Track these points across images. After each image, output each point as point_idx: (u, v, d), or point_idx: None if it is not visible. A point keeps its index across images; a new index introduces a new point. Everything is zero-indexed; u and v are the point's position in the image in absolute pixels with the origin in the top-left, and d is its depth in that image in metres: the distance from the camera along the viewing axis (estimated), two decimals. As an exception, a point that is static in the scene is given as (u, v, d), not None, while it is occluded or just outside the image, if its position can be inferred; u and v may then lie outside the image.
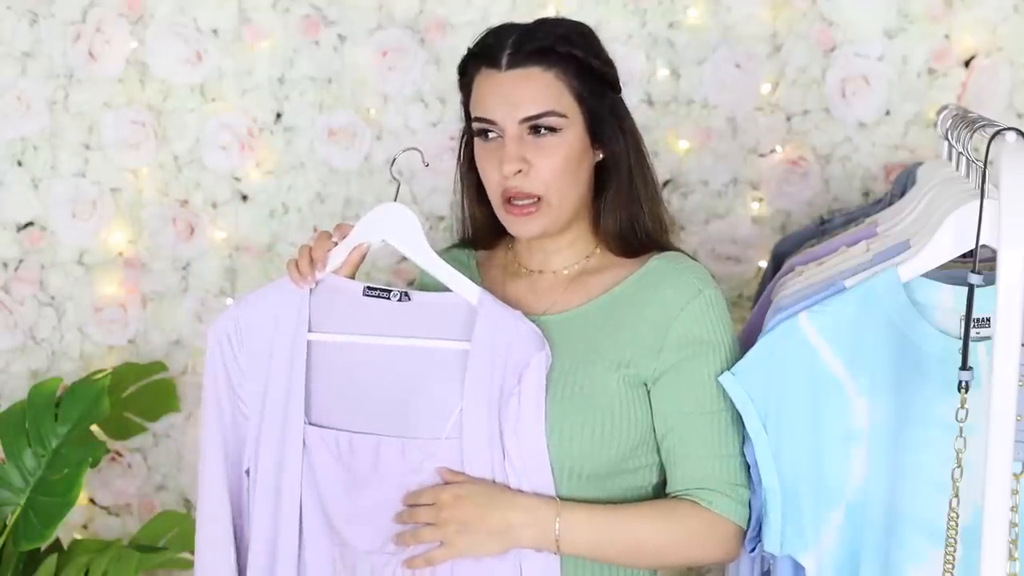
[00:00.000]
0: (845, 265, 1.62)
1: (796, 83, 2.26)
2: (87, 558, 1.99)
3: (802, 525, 1.55)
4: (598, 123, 1.61)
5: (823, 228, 2.08)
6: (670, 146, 2.28)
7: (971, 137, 1.53)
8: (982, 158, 1.42)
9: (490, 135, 1.59)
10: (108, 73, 2.27)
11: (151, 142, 2.28)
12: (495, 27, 1.65)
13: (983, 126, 1.49)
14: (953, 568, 1.44)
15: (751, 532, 1.58)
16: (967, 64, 2.24)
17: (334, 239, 1.65)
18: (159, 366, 2.29)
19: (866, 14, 2.23)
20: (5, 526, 2.01)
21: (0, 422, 2.10)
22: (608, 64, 1.64)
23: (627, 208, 1.65)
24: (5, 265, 2.32)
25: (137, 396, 2.26)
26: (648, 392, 1.59)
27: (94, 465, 2.06)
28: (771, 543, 1.55)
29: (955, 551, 1.44)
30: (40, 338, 2.33)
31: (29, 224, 2.31)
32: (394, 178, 1.67)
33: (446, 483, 1.56)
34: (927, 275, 1.51)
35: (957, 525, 1.44)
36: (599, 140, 1.62)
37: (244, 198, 2.31)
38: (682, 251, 1.69)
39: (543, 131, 1.57)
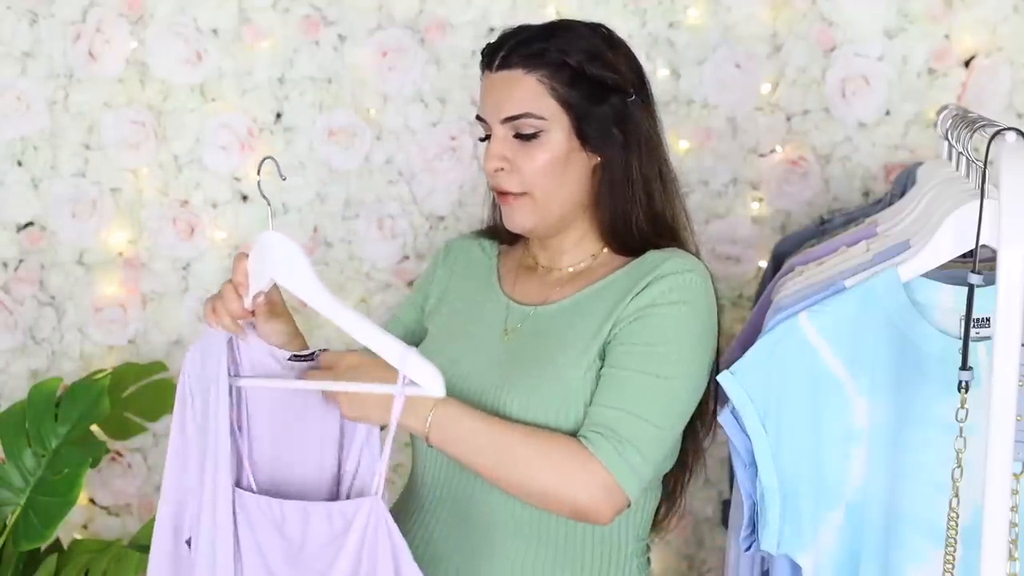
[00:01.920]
0: (845, 265, 1.62)
1: (796, 83, 2.26)
2: (87, 558, 1.99)
3: (800, 525, 1.55)
4: (587, 127, 1.62)
5: (823, 228, 2.08)
6: (670, 146, 2.27)
7: (971, 137, 1.53)
8: (982, 158, 1.42)
9: (484, 135, 1.66)
10: (108, 73, 2.27)
11: (151, 142, 2.28)
12: (508, 29, 1.67)
13: (983, 126, 1.49)
14: (953, 568, 1.44)
15: (746, 530, 1.58)
16: (967, 64, 2.24)
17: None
18: (159, 366, 2.29)
19: (866, 14, 2.23)
20: (5, 526, 2.01)
21: (0, 422, 2.10)
22: (611, 68, 1.63)
23: (623, 210, 1.66)
24: (5, 265, 2.32)
25: (137, 396, 2.26)
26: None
27: (94, 465, 2.06)
28: (768, 542, 1.55)
29: (955, 551, 1.44)
30: (40, 338, 2.33)
31: (29, 224, 2.31)
32: (264, 197, 1.54)
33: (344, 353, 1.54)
34: (927, 275, 1.51)
35: (957, 525, 1.44)
36: (589, 143, 1.63)
37: (244, 198, 2.31)
38: (687, 251, 1.70)
39: (526, 132, 1.60)
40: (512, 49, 1.61)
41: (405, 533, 1.41)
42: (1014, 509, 1.40)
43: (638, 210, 1.66)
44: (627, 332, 1.58)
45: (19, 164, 2.30)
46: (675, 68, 2.26)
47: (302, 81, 2.28)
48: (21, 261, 2.32)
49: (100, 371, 2.22)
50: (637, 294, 1.59)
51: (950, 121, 1.67)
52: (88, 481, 2.23)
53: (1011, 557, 1.41)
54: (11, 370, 2.34)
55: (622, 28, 2.24)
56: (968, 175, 1.60)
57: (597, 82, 1.62)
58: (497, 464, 1.51)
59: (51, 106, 2.28)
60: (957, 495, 1.44)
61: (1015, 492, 1.40)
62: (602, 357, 1.59)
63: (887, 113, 2.26)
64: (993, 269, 1.36)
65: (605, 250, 1.70)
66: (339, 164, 2.29)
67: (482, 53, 1.66)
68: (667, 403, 1.56)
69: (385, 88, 2.27)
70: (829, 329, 1.52)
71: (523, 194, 1.63)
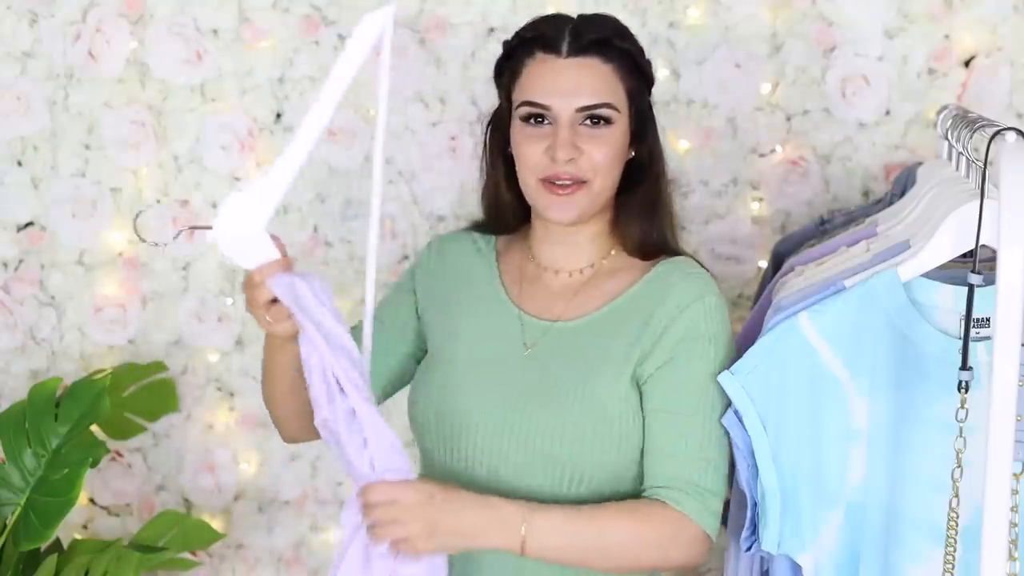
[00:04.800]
0: (845, 265, 1.62)
1: (796, 83, 2.26)
2: (87, 558, 1.99)
3: (800, 525, 1.55)
4: (641, 121, 1.64)
5: (823, 228, 2.08)
6: (670, 146, 2.27)
7: (971, 137, 1.53)
8: (982, 158, 1.42)
9: (539, 120, 1.60)
10: (108, 73, 2.26)
11: (151, 142, 2.28)
12: (548, 15, 1.67)
13: (983, 126, 1.49)
14: (953, 568, 1.45)
15: (746, 531, 1.58)
16: (967, 64, 2.24)
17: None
18: (159, 366, 2.29)
19: (866, 14, 2.23)
20: (5, 526, 2.01)
21: (0, 422, 2.10)
22: (650, 66, 1.68)
23: (652, 209, 1.66)
24: (5, 265, 2.32)
25: (137, 396, 2.26)
26: (641, 393, 1.59)
27: (94, 465, 2.06)
28: (768, 542, 1.55)
29: (955, 551, 1.44)
30: (40, 338, 2.33)
31: (29, 224, 2.31)
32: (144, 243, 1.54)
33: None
34: (927, 275, 1.52)
35: (957, 525, 1.44)
36: (637, 138, 1.64)
37: (244, 198, 2.31)
38: (688, 255, 1.70)
39: (598, 121, 1.58)
40: (579, 35, 1.59)
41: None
42: (1014, 509, 1.40)
43: (665, 214, 1.67)
44: (668, 372, 1.57)
45: (19, 164, 2.29)
46: (675, 68, 2.26)
47: (302, 81, 2.28)
48: (21, 261, 2.32)
49: (100, 371, 2.22)
50: (665, 328, 1.58)
51: (950, 121, 1.67)
52: (88, 481, 2.23)
53: (1011, 557, 1.41)
54: (11, 370, 2.34)
55: (622, 28, 2.25)
56: (968, 175, 1.60)
57: (644, 76, 1.65)
58: (600, 559, 1.53)
59: (51, 106, 2.27)
60: (957, 495, 1.44)
61: (1015, 492, 1.40)
62: (637, 386, 1.59)
63: (887, 113, 2.26)
64: (993, 269, 1.37)
65: (613, 251, 1.69)
66: (339, 164, 2.29)
67: (533, 38, 1.61)
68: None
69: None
70: (829, 329, 1.52)
71: (582, 183, 1.59)
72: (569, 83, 1.58)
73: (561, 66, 1.58)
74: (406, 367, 1.75)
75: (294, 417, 1.65)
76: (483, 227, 1.78)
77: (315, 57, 2.26)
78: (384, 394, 1.75)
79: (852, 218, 2.05)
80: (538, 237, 1.70)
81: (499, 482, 1.58)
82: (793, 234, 2.16)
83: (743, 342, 1.67)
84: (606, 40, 1.59)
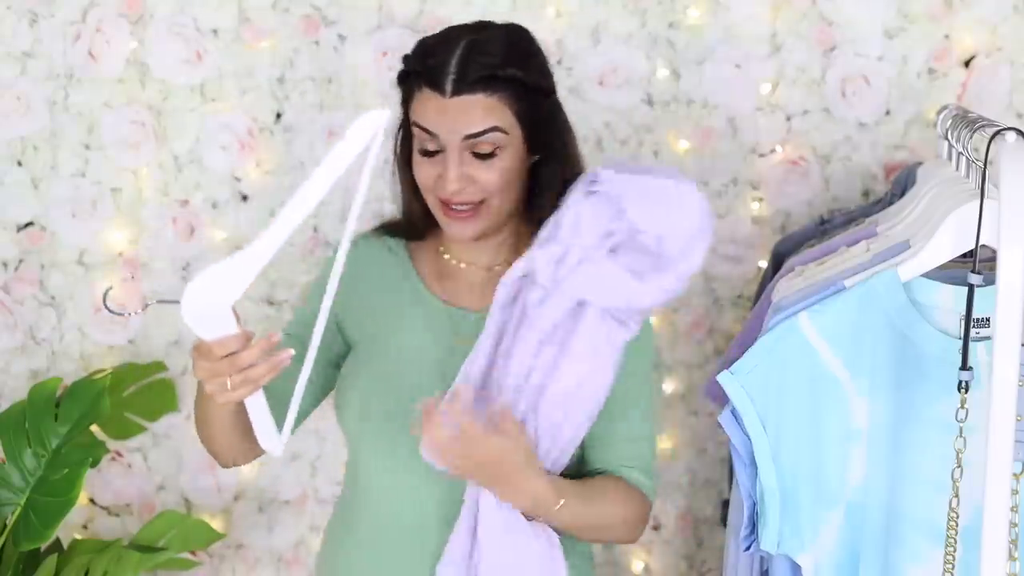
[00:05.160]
0: (845, 265, 1.62)
1: (796, 83, 2.26)
2: (87, 558, 1.99)
3: (800, 525, 1.55)
4: (535, 133, 1.63)
5: (823, 228, 2.08)
6: (670, 146, 2.28)
7: (971, 137, 1.53)
8: (982, 158, 1.42)
9: (430, 148, 1.60)
10: (108, 73, 2.27)
11: (151, 142, 2.28)
12: (433, 40, 1.63)
13: (983, 126, 1.49)
14: (953, 568, 1.45)
15: (745, 530, 1.58)
16: (967, 64, 2.24)
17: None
18: (159, 366, 2.29)
19: (866, 14, 2.23)
20: (5, 526, 2.01)
21: (0, 422, 2.10)
22: (543, 73, 1.65)
23: (553, 204, 1.62)
24: (5, 265, 2.32)
25: (137, 396, 2.26)
26: None
27: (94, 465, 2.06)
28: (768, 542, 1.55)
29: (955, 551, 1.44)
30: (40, 338, 2.33)
31: (29, 224, 2.31)
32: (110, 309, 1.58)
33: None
34: (927, 275, 1.52)
35: (957, 525, 1.44)
36: (535, 147, 1.64)
37: (244, 198, 2.31)
38: None
39: (486, 149, 1.58)
40: (463, 72, 1.57)
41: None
42: (1014, 509, 1.40)
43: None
44: None
45: (19, 164, 2.29)
46: (675, 68, 2.26)
47: (302, 81, 2.28)
48: (21, 261, 2.32)
49: (100, 371, 2.22)
50: None
51: (950, 121, 1.67)
52: (88, 481, 2.23)
53: (1011, 557, 1.41)
54: (11, 370, 2.34)
55: (622, 28, 2.25)
56: (968, 175, 1.60)
57: (536, 89, 1.63)
58: (587, 531, 1.64)
59: (51, 106, 2.27)
60: (957, 495, 1.44)
61: (1015, 492, 1.40)
62: None
63: (887, 113, 2.26)
64: (993, 269, 1.37)
65: (524, 249, 1.66)
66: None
67: (420, 72, 1.60)
68: (650, 414, 1.69)
69: (385, 88, 2.27)
70: (829, 329, 1.52)
71: (480, 203, 1.60)
72: (451, 118, 1.57)
73: (445, 105, 1.57)
74: (329, 376, 1.73)
75: (235, 446, 1.63)
76: (395, 230, 1.78)
77: (315, 57, 2.27)
78: (313, 405, 1.74)
79: (852, 218, 2.05)
80: (450, 237, 1.70)
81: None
82: (793, 234, 2.16)
83: (743, 342, 1.67)
84: (490, 76, 1.57)
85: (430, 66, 1.59)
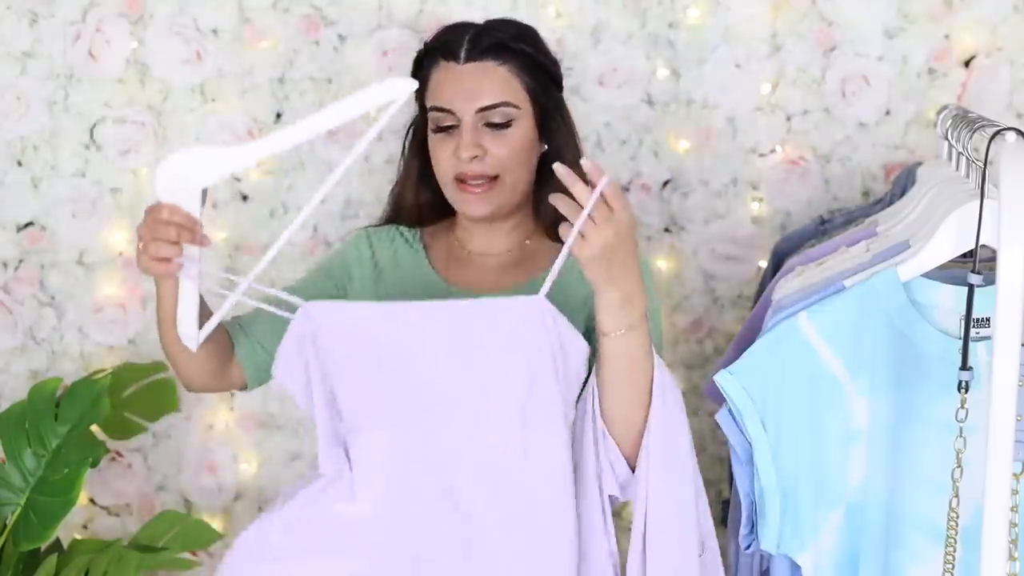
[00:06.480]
0: (845, 265, 1.62)
1: (796, 83, 2.26)
2: (87, 558, 1.99)
3: (800, 525, 1.55)
4: (545, 117, 1.73)
5: (823, 228, 2.08)
6: (670, 146, 2.28)
7: (971, 137, 1.53)
8: (982, 158, 1.42)
9: (446, 124, 1.70)
10: (108, 73, 2.27)
11: (151, 142, 2.28)
12: (453, 24, 1.78)
13: (983, 126, 1.49)
14: (953, 568, 1.45)
15: (744, 529, 1.58)
16: (967, 64, 2.24)
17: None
18: (159, 366, 2.29)
19: (866, 14, 2.23)
20: (5, 526, 2.01)
21: (0, 422, 2.10)
22: (554, 63, 1.77)
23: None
24: (5, 265, 2.32)
25: (137, 396, 2.26)
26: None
27: (94, 465, 2.06)
28: (768, 542, 1.55)
29: (955, 551, 1.44)
30: (40, 338, 2.33)
31: (29, 224, 2.31)
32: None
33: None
34: (927, 275, 1.52)
35: (957, 525, 1.44)
36: (545, 132, 1.74)
37: (244, 198, 2.31)
38: None
39: (498, 120, 1.68)
40: (475, 42, 1.69)
41: None
42: (1014, 509, 1.40)
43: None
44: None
45: (19, 164, 2.30)
46: (675, 68, 2.26)
47: (302, 81, 2.28)
48: (21, 261, 2.32)
49: (100, 371, 2.22)
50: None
51: (950, 121, 1.67)
52: (88, 481, 2.22)
53: (1011, 557, 1.41)
54: (11, 370, 2.34)
55: (622, 28, 2.25)
56: (968, 175, 1.60)
57: (547, 74, 1.74)
58: (637, 392, 1.52)
59: (51, 106, 2.28)
60: (957, 495, 1.44)
61: (1015, 492, 1.40)
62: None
63: (887, 113, 2.26)
64: (993, 269, 1.37)
65: (535, 236, 1.77)
66: (339, 164, 2.29)
67: (436, 47, 1.73)
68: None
69: (385, 88, 2.27)
70: (829, 329, 1.52)
71: (494, 179, 1.68)
72: (468, 86, 1.68)
73: (460, 71, 1.70)
74: None
75: (192, 362, 1.67)
76: (407, 219, 1.84)
77: (315, 57, 2.27)
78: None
79: (852, 218, 2.05)
80: (463, 227, 1.79)
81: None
82: (793, 234, 2.16)
83: (742, 342, 1.67)
84: (501, 44, 1.70)
85: (445, 40, 1.72)
